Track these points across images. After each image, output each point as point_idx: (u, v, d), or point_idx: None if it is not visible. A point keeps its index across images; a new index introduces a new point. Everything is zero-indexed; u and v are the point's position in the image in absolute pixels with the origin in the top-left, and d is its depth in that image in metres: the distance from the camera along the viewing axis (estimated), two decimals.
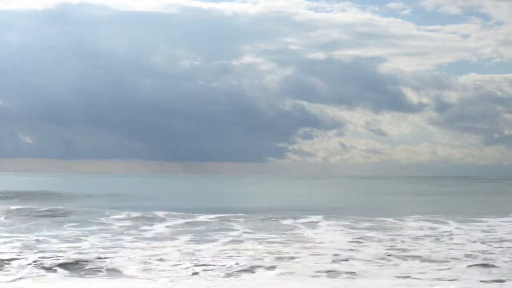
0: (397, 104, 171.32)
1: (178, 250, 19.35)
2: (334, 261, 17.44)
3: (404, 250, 19.90)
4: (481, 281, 14.76)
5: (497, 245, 21.41)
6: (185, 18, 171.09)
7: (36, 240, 21.73)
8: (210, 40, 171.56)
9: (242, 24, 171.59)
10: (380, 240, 22.45)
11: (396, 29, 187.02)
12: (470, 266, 16.84)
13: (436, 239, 22.93)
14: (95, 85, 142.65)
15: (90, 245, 20.50)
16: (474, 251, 19.67)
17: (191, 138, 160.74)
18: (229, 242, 21.90)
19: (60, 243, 21.11)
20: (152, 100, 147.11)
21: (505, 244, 21.52)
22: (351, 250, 19.90)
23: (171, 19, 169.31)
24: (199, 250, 19.39)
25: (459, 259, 18.00)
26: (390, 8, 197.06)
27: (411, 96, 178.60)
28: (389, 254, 18.92)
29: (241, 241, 22.04)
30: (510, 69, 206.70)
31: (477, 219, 31.46)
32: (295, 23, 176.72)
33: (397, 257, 18.33)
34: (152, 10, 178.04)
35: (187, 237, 23.23)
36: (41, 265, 16.14)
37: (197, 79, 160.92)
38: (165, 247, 20.31)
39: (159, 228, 26.67)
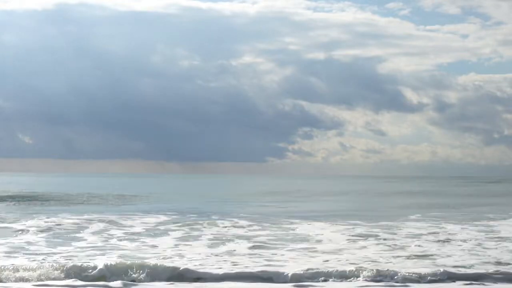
0: (397, 104, 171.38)
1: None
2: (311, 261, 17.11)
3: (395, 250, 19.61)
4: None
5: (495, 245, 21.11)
6: (184, 18, 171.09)
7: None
8: (209, 40, 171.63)
9: (241, 24, 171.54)
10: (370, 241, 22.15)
11: (395, 29, 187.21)
12: (456, 266, 16.54)
13: (433, 240, 22.61)
14: (95, 85, 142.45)
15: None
16: (464, 250, 19.39)
17: (191, 138, 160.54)
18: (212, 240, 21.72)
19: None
20: (152, 100, 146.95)
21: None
22: (336, 251, 19.59)
23: (170, 19, 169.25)
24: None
25: (451, 258, 17.73)
26: (389, 8, 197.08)
27: (411, 96, 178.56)
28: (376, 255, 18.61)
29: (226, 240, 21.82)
30: (509, 69, 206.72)
31: (478, 220, 31.11)
32: (294, 23, 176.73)
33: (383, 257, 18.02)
34: (151, 10, 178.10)
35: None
36: None
37: (196, 79, 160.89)
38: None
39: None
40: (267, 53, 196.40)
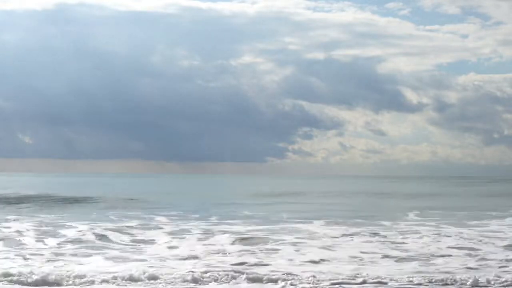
0: (397, 104, 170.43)
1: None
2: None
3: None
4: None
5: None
6: (183, 18, 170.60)
7: None
8: (209, 40, 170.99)
9: (241, 24, 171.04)
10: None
11: (395, 29, 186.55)
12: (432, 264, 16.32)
13: (425, 241, 22.42)
14: (94, 85, 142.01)
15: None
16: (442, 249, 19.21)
17: (191, 138, 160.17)
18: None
19: None
20: (151, 100, 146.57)
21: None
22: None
23: (170, 19, 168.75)
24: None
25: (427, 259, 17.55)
26: (388, 8, 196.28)
27: (411, 96, 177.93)
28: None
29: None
30: (509, 69, 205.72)
31: (477, 221, 30.90)
32: (294, 22, 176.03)
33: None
34: (151, 10, 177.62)
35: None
36: None
37: (196, 79, 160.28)
38: None
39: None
40: (266, 53, 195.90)
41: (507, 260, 17.51)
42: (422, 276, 14.86)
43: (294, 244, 20.90)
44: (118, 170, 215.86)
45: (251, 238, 22.52)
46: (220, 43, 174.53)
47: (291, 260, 17.43)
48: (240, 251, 19.20)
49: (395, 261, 17.49)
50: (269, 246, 20.28)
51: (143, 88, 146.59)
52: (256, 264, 16.62)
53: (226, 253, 18.68)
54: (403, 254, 18.60)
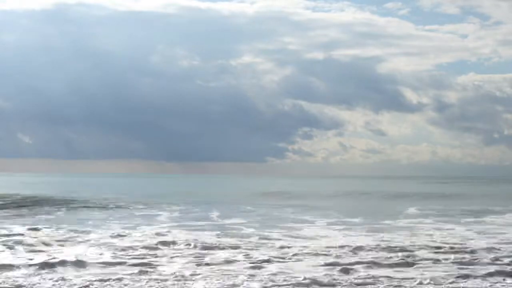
0: (397, 104, 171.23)
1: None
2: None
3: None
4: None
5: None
6: (183, 18, 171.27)
7: None
8: (209, 40, 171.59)
9: (241, 24, 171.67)
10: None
11: (394, 29, 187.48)
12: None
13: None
14: (94, 85, 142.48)
15: None
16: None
17: (190, 138, 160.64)
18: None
19: None
20: (151, 100, 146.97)
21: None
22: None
23: (169, 19, 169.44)
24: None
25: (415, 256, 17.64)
26: (388, 7, 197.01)
27: (411, 96, 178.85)
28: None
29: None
30: (509, 69, 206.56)
31: (474, 219, 30.99)
32: (294, 22, 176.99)
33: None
34: (150, 10, 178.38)
35: None
36: None
37: (196, 79, 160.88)
38: None
39: None
40: (266, 53, 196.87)
41: (497, 258, 17.59)
42: (417, 274, 14.98)
43: (290, 242, 20.97)
44: (118, 170, 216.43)
45: (249, 236, 22.60)
46: (220, 43, 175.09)
47: (287, 258, 17.49)
48: (236, 249, 19.27)
49: (390, 258, 17.53)
50: (263, 243, 20.36)
51: (143, 88, 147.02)
52: (254, 264, 16.68)
53: (221, 249, 18.75)
54: (400, 253, 18.64)
